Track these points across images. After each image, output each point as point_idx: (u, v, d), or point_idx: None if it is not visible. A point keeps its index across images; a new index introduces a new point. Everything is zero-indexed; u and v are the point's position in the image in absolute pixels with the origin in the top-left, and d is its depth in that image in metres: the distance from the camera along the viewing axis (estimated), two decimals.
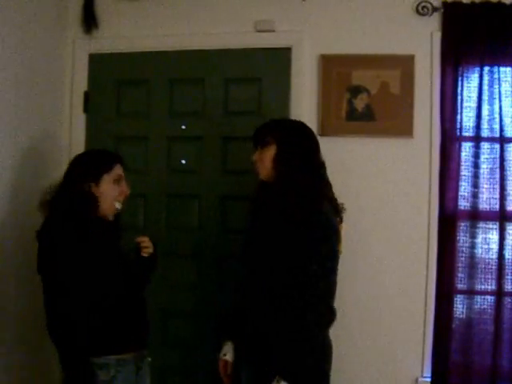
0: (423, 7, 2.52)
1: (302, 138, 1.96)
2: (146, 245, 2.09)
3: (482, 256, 2.46)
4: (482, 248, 2.46)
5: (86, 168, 1.96)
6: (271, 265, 1.87)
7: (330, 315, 1.85)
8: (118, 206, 1.99)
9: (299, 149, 1.92)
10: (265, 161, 1.94)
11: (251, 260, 1.99)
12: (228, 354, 2.04)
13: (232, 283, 2.18)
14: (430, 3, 2.51)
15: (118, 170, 1.99)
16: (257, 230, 1.99)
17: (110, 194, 1.96)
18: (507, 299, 2.43)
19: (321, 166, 1.97)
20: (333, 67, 2.59)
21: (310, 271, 1.79)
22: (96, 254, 1.88)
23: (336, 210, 1.95)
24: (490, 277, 2.44)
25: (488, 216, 2.45)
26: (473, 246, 2.46)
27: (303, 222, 1.82)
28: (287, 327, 1.78)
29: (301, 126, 2.03)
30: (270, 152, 1.92)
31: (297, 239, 1.82)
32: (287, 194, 1.86)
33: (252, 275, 1.97)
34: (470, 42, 2.43)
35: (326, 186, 1.96)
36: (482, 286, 2.45)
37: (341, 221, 1.97)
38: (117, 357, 1.90)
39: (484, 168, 2.46)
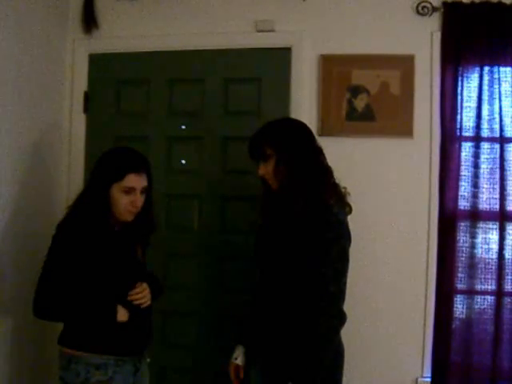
0: (423, 7, 2.52)
1: (297, 138, 1.94)
2: (136, 298, 1.94)
3: (482, 256, 2.46)
4: (482, 248, 2.46)
5: (101, 172, 1.95)
6: (281, 268, 1.87)
7: (340, 318, 1.84)
8: (126, 217, 1.95)
9: (298, 150, 1.91)
10: (271, 172, 1.92)
11: (262, 263, 1.99)
12: (239, 358, 2.04)
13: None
14: (430, 3, 2.51)
15: (129, 180, 1.91)
16: (267, 233, 1.98)
17: (120, 202, 1.92)
18: (507, 299, 2.43)
19: (319, 153, 1.96)
20: (333, 67, 2.59)
21: (320, 274, 1.78)
22: (85, 259, 1.88)
23: (341, 199, 1.93)
24: (489, 277, 2.44)
25: (488, 216, 2.46)
26: (473, 246, 2.46)
27: (312, 224, 1.81)
28: (298, 332, 1.78)
29: (291, 125, 2.01)
30: (273, 163, 1.91)
31: (306, 241, 1.81)
32: (294, 199, 1.85)
33: (263, 278, 1.97)
34: (470, 42, 2.43)
35: (326, 173, 1.95)
36: (482, 286, 2.45)
37: (350, 210, 1.96)
38: (115, 357, 1.90)
39: (484, 168, 2.46)
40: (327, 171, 1.95)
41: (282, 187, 1.91)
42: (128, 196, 1.92)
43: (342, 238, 1.84)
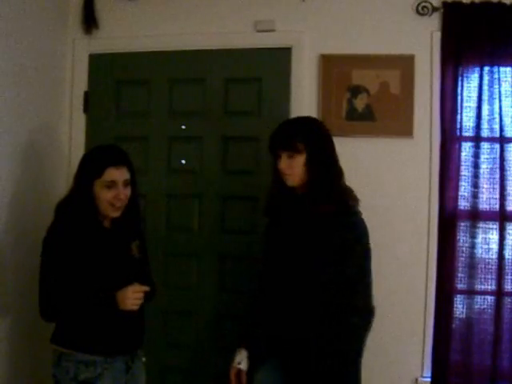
0: (423, 7, 2.52)
1: (327, 140, 1.96)
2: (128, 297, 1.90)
3: (482, 256, 2.46)
4: (482, 248, 2.46)
5: (82, 172, 1.97)
6: (306, 269, 1.87)
7: (368, 315, 1.86)
8: (112, 213, 1.95)
9: (327, 151, 1.93)
10: (296, 168, 1.90)
11: (288, 265, 1.94)
12: (243, 362, 2.00)
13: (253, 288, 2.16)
14: (430, 3, 2.51)
15: (109, 175, 1.92)
16: (291, 236, 1.95)
17: (103, 197, 1.93)
18: (507, 299, 2.43)
19: (338, 160, 1.99)
20: (333, 67, 2.59)
21: (346, 274, 1.80)
22: (77, 257, 1.88)
23: (357, 200, 1.95)
24: (490, 277, 2.44)
25: (488, 216, 2.46)
26: (473, 246, 2.46)
27: (336, 225, 1.84)
28: (330, 332, 1.80)
29: (322, 126, 2.01)
30: (302, 159, 1.89)
31: (332, 242, 1.83)
32: (324, 199, 1.87)
33: (287, 280, 1.94)
34: (470, 42, 2.43)
35: (343, 175, 1.97)
36: (482, 286, 2.45)
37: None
38: (105, 355, 1.91)
39: (484, 168, 2.46)
40: (343, 173, 1.98)
41: (307, 186, 1.90)
42: (110, 191, 1.93)
43: (365, 236, 1.88)
